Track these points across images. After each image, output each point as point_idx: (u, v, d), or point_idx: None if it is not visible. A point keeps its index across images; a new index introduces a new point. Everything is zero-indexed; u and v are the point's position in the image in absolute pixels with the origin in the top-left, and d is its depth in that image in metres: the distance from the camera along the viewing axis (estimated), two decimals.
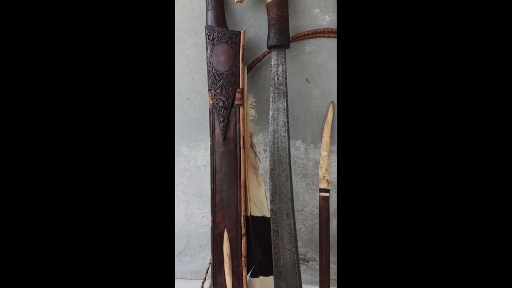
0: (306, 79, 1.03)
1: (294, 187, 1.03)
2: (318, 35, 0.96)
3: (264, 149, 1.12)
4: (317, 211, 1.06)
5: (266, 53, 0.98)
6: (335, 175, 1.04)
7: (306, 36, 0.97)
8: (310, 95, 1.04)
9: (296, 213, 1.10)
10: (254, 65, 0.99)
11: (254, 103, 0.95)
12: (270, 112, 0.89)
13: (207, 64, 0.94)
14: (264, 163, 1.11)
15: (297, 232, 1.05)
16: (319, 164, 1.02)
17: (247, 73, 0.98)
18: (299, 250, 1.07)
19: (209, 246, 1.08)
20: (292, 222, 0.87)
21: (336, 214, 1.06)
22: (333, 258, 1.05)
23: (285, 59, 0.89)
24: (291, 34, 0.93)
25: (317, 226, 1.04)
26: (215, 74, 0.93)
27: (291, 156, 0.95)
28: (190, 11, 1.01)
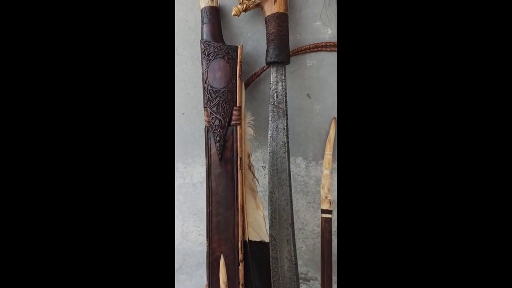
0: (307, 94, 0.99)
1: (294, 205, 0.99)
2: (320, 49, 0.91)
3: (263, 166, 1.08)
4: (319, 229, 1.02)
5: (265, 68, 0.93)
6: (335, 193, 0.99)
7: (307, 50, 0.92)
8: (312, 111, 0.99)
9: (296, 232, 1.06)
10: (252, 81, 0.94)
11: (252, 122, 0.90)
12: (269, 132, 0.84)
13: (203, 80, 0.89)
14: (263, 180, 1.07)
15: (298, 251, 1.01)
16: (321, 183, 0.97)
17: (245, 89, 0.93)
18: (299, 269, 1.03)
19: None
20: (292, 248, 0.82)
21: (336, 232, 1.01)
22: (335, 277, 1.01)
23: (285, 76, 0.84)
24: (291, 48, 0.88)
25: (319, 245, 1.00)
26: (210, 91, 0.87)
27: (291, 174, 0.90)
28: (185, 23, 0.96)
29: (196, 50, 0.97)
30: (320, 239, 0.97)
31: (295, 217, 0.88)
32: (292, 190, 0.87)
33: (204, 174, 1.08)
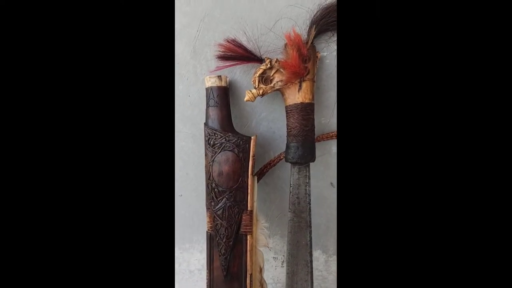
0: (331, 183, 0.82)
1: None
2: None
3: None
4: None
5: (281, 156, 0.76)
6: None
7: (334, 136, 0.75)
8: (334, 201, 0.83)
9: None
10: (266, 171, 0.77)
11: (265, 227, 0.73)
12: (288, 247, 0.67)
13: (206, 174, 0.72)
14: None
15: None
16: None
17: (258, 181, 0.76)
18: None
19: None
20: None
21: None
22: None
23: (309, 178, 0.67)
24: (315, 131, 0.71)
25: None
26: (215, 190, 0.71)
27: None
28: (186, 97, 0.79)
29: (198, 127, 0.81)
30: None
31: None
32: None
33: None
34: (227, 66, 0.69)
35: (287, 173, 0.74)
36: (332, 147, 0.79)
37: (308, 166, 0.68)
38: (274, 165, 0.77)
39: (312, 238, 0.76)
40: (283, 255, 0.91)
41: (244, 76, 0.75)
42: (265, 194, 0.85)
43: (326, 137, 0.75)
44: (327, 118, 0.76)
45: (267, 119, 0.78)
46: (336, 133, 0.75)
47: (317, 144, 0.75)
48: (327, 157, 0.80)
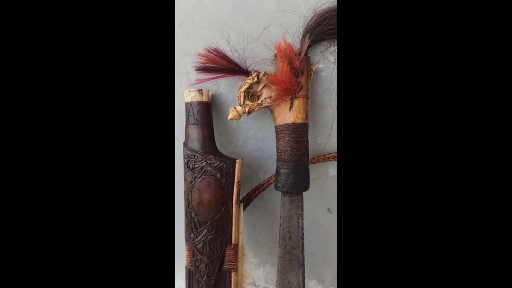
0: (328, 209, 0.74)
1: None
2: None
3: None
4: None
5: (272, 179, 0.67)
6: None
7: (331, 158, 0.67)
8: (332, 228, 0.75)
9: None
10: (254, 197, 0.68)
11: (253, 263, 0.64)
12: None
13: (185, 202, 0.64)
14: None
15: None
16: None
17: (244, 209, 0.67)
18: None
19: None
20: None
21: None
22: None
23: (302, 209, 0.58)
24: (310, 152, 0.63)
25: None
26: (195, 220, 0.62)
27: None
28: None
29: (178, 147, 0.72)
30: None
31: None
32: None
33: None
34: (208, 79, 0.61)
35: (278, 195, 0.65)
36: (329, 169, 0.71)
37: (301, 195, 0.59)
38: (263, 190, 0.68)
39: (307, 267, 0.67)
40: (275, 285, 0.82)
41: (229, 89, 0.66)
42: (254, 218, 0.76)
43: (323, 159, 0.66)
44: (323, 137, 0.68)
45: (255, 137, 0.70)
46: (334, 155, 0.66)
47: (312, 166, 0.66)
48: (324, 180, 0.71)
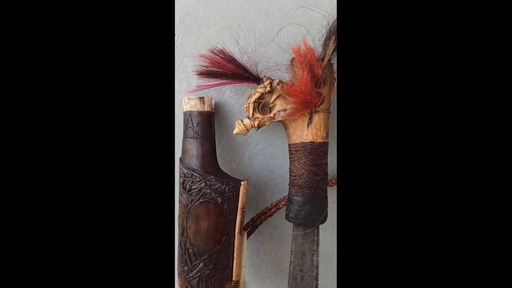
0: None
1: None
2: None
3: None
4: None
5: (281, 204, 0.58)
6: None
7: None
8: None
9: None
10: (260, 223, 0.59)
11: None
12: None
13: (179, 229, 0.54)
14: None
15: None
16: None
17: (247, 237, 0.58)
18: None
19: None
20: None
21: None
22: None
23: (317, 244, 0.49)
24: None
25: None
26: (190, 251, 0.52)
27: None
28: None
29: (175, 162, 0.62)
30: None
31: None
32: None
33: None
34: (212, 86, 0.51)
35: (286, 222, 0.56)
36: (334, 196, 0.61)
37: (318, 228, 0.50)
38: (271, 215, 0.59)
39: None
40: None
41: (236, 97, 0.57)
42: (258, 244, 0.67)
43: (330, 184, 0.57)
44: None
45: (263, 153, 0.60)
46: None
47: (328, 189, 0.57)
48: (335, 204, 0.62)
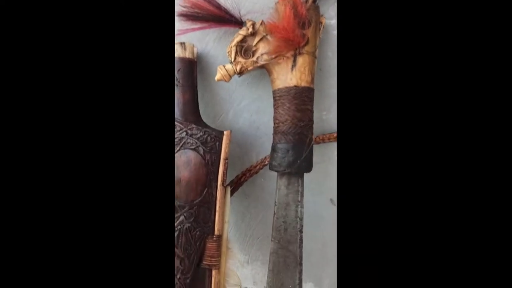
0: (331, 200, 0.63)
1: None
2: None
3: None
4: None
5: (266, 161, 0.56)
6: None
7: (335, 139, 0.55)
8: (334, 223, 0.64)
9: None
10: (244, 180, 0.57)
11: (240, 261, 0.53)
12: None
13: None
14: None
15: None
16: None
17: (232, 194, 0.56)
18: None
19: None
20: None
21: None
22: None
23: (302, 195, 0.47)
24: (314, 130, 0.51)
25: None
26: None
27: None
28: None
29: None
30: None
31: None
32: None
33: None
34: (193, 30, 0.49)
35: (274, 181, 0.54)
36: (334, 152, 0.59)
37: (302, 177, 0.48)
38: (256, 172, 0.57)
39: (304, 267, 0.56)
40: (264, 286, 0.71)
41: (219, 46, 0.55)
42: (244, 208, 0.65)
43: (329, 138, 0.55)
44: (330, 112, 0.56)
45: (249, 110, 0.58)
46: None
47: (315, 147, 0.55)
48: (327, 165, 0.60)
